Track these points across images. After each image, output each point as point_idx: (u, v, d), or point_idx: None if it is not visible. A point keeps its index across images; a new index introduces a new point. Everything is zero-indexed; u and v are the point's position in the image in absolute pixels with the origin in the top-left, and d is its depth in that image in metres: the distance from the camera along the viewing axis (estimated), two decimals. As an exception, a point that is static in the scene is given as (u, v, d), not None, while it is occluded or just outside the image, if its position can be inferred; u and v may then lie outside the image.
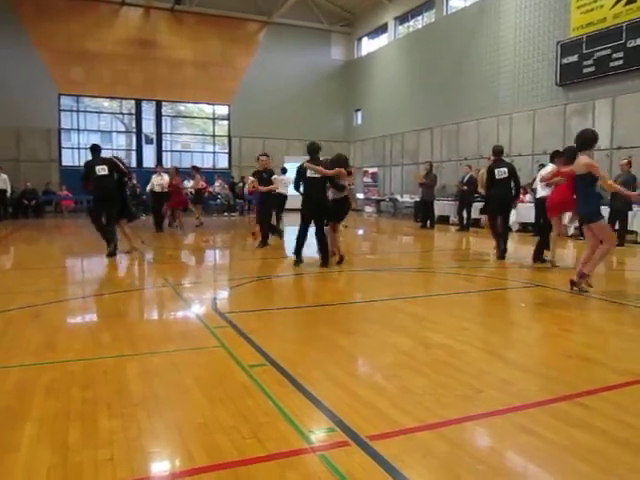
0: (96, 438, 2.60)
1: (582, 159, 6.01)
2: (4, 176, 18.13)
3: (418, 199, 17.85)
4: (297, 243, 8.39)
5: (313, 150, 8.36)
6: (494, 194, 9.13)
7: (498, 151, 9.32)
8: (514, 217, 14.63)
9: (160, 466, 2.43)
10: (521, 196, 14.98)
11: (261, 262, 9.36)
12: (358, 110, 26.67)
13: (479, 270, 8.44)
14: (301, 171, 8.24)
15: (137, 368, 3.64)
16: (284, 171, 16.88)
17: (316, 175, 8.14)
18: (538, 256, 8.42)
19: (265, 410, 2.94)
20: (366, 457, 2.43)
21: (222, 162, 25.72)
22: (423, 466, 2.38)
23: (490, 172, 9.11)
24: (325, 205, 8.30)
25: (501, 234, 9.24)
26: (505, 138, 17.43)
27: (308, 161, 8.26)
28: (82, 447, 2.52)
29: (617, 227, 11.26)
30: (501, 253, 9.07)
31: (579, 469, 2.38)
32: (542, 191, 9.04)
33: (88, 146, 9.89)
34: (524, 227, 14.64)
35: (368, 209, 23.68)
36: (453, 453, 2.49)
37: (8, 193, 18.39)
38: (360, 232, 14.07)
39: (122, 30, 23.03)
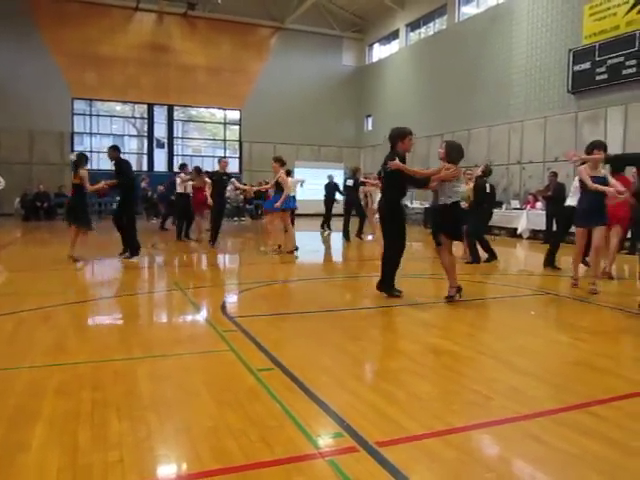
0: (106, 440, 2.62)
1: None
2: None
3: (428, 205, 17.81)
4: None
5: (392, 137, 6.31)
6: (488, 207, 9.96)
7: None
8: (525, 224, 14.60)
9: (169, 469, 2.45)
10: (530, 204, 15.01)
11: (271, 267, 9.38)
12: (369, 116, 26.68)
13: (489, 277, 8.40)
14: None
15: (147, 370, 3.66)
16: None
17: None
18: None
19: (273, 414, 2.95)
20: (374, 463, 2.42)
21: (233, 167, 25.79)
22: (431, 473, 2.38)
23: (483, 187, 9.56)
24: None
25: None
26: (516, 145, 17.37)
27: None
28: (92, 449, 2.53)
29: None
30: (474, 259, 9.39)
31: (589, 478, 2.36)
32: None
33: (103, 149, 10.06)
34: (534, 234, 14.55)
35: (377, 215, 23.69)
36: (461, 460, 2.48)
37: None
38: (369, 238, 14.04)
39: (135, 35, 23.23)
